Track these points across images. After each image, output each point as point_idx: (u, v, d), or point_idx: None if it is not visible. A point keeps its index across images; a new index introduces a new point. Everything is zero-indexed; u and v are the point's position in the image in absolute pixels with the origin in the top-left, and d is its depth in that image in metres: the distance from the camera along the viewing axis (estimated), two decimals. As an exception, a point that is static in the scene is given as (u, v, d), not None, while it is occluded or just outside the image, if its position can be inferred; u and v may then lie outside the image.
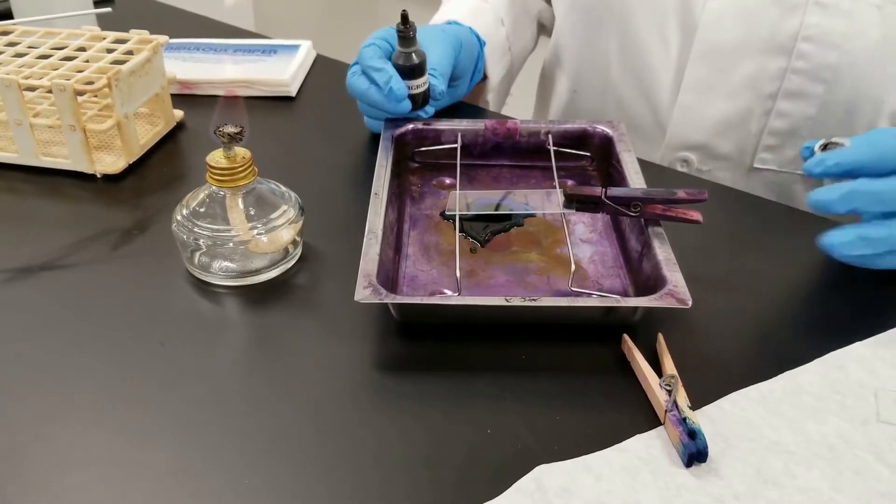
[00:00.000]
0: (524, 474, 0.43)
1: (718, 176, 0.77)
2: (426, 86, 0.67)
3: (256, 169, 0.55)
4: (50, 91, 0.65)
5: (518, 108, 1.01)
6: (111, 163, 0.69)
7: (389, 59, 0.66)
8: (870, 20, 0.66)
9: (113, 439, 0.45)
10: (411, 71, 0.66)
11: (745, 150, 0.74)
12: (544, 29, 0.93)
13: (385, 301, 0.49)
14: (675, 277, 0.50)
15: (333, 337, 0.52)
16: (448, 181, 0.67)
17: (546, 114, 0.91)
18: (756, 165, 0.75)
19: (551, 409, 0.47)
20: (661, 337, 0.50)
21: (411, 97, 0.66)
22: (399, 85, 0.64)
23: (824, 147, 0.53)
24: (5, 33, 0.73)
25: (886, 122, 0.69)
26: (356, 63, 0.68)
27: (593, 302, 0.51)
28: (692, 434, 0.44)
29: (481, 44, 0.79)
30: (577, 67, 0.83)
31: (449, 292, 0.54)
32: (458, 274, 0.53)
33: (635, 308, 0.51)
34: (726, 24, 0.69)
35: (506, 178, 0.68)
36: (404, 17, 0.64)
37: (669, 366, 0.48)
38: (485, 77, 0.83)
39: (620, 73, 0.78)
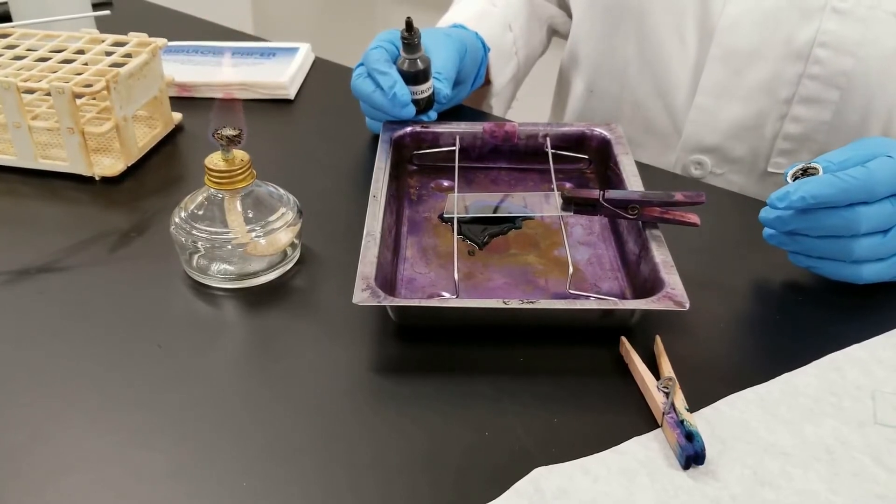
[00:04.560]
0: (522, 476, 0.43)
1: (732, 179, 0.77)
2: (430, 91, 0.68)
3: (255, 171, 0.55)
4: (48, 94, 0.65)
5: (531, 109, 1.01)
6: (109, 165, 0.69)
7: (395, 62, 0.66)
8: (886, 28, 0.66)
9: (111, 441, 0.45)
10: (415, 77, 0.66)
11: (760, 154, 0.75)
12: (557, 32, 0.93)
13: (383, 303, 0.49)
14: (672, 280, 0.50)
15: (331, 339, 0.52)
16: (446, 184, 0.67)
17: (563, 113, 0.92)
18: (770, 170, 0.75)
19: (549, 411, 0.47)
20: (658, 339, 0.50)
21: (415, 102, 0.66)
22: (403, 91, 0.65)
23: (804, 172, 0.53)
24: (4, 36, 0.73)
25: None
26: (361, 64, 0.68)
27: (591, 304, 0.51)
28: (690, 436, 0.44)
29: (486, 49, 0.79)
30: (594, 68, 0.83)
31: (447, 295, 0.54)
32: (456, 276, 0.53)
33: (633, 310, 0.51)
34: (744, 29, 0.70)
35: (504, 180, 0.69)
36: (409, 25, 0.65)
37: (667, 368, 0.48)
38: (488, 82, 0.83)
39: (637, 75, 0.79)
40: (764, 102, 0.72)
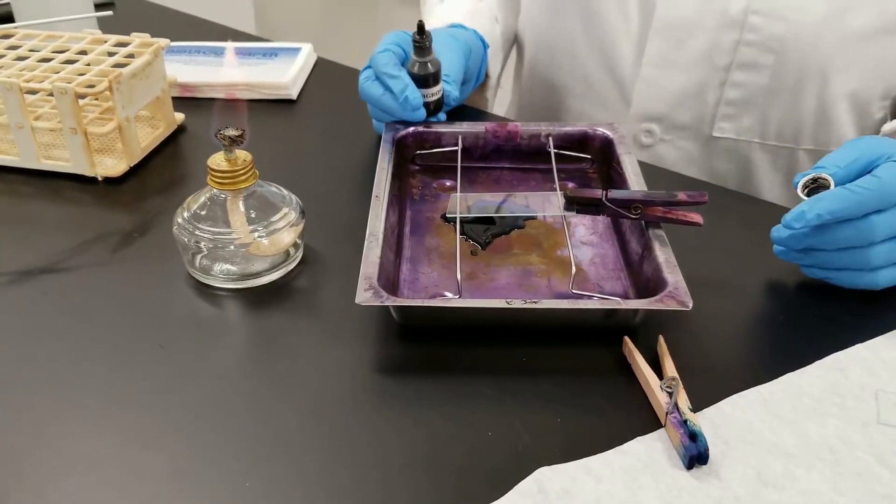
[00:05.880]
0: (525, 476, 0.43)
1: (681, 145, 0.80)
2: (440, 93, 0.68)
3: (257, 171, 0.55)
4: (51, 94, 0.65)
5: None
6: (112, 166, 0.69)
7: (403, 64, 0.67)
8: None
9: (113, 442, 0.45)
10: (426, 80, 0.66)
11: (704, 119, 0.78)
12: None
13: (386, 304, 0.49)
14: (675, 279, 0.50)
15: (334, 340, 0.52)
16: (449, 184, 0.67)
17: (518, 89, 0.93)
18: (715, 134, 0.78)
19: (552, 411, 0.47)
20: (661, 339, 0.50)
21: (425, 105, 0.66)
22: (415, 94, 0.65)
23: (814, 181, 0.54)
24: (7, 37, 0.73)
25: (840, 99, 0.73)
26: (368, 67, 0.68)
27: (594, 304, 0.51)
28: (693, 436, 0.44)
29: (485, 46, 0.79)
30: (546, 45, 0.85)
31: (450, 295, 0.54)
32: (458, 276, 0.53)
33: (636, 310, 0.51)
34: (681, 1, 0.73)
35: (506, 180, 0.68)
36: (420, 28, 0.65)
37: (670, 368, 0.48)
38: (486, 77, 0.83)
39: (585, 50, 0.81)
40: (705, 71, 0.75)
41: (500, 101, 0.98)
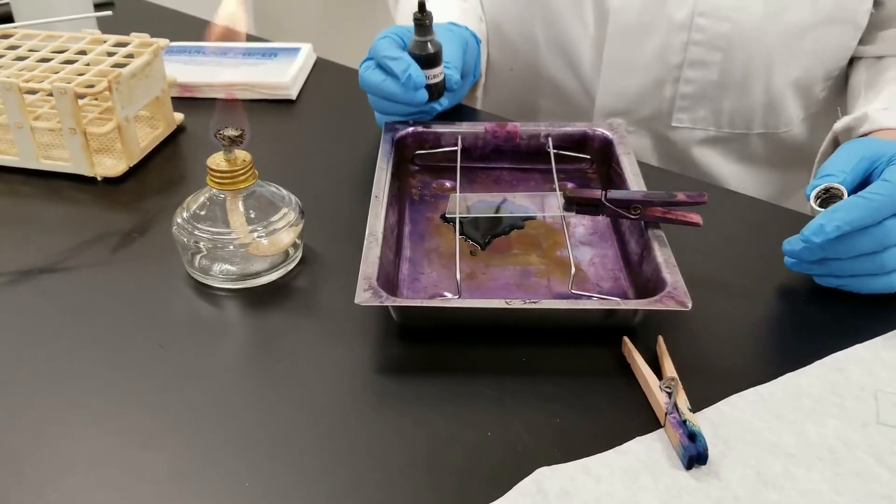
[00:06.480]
0: (524, 477, 0.43)
1: (644, 135, 0.84)
2: (442, 76, 0.68)
3: (257, 172, 0.55)
4: (51, 94, 0.65)
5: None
6: (111, 166, 0.69)
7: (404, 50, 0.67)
8: None
9: (113, 442, 0.45)
10: (427, 60, 0.66)
11: (662, 112, 0.83)
12: None
13: (385, 304, 0.49)
14: (674, 280, 0.50)
15: (334, 340, 0.52)
16: (448, 184, 0.67)
17: (488, 90, 0.94)
18: (674, 125, 0.83)
19: (551, 411, 0.47)
20: (661, 339, 0.50)
21: (427, 87, 0.66)
22: (417, 72, 0.65)
23: (825, 192, 0.54)
24: (6, 37, 0.73)
25: (786, 86, 0.78)
26: (369, 58, 0.68)
27: (593, 304, 0.51)
28: (692, 436, 0.44)
29: (478, 43, 0.80)
30: (512, 48, 0.87)
31: (449, 295, 0.54)
32: (458, 276, 0.53)
33: (635, 311, 0.51)
34: (633, 6, 0.77)
35: (506, 180, 0.68)
36: (421, 5, 0.64)
37: (669, 368, 0.48)
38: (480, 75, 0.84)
39: (549, 54, 0.84)
40: (659, 70, 0.79)
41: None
